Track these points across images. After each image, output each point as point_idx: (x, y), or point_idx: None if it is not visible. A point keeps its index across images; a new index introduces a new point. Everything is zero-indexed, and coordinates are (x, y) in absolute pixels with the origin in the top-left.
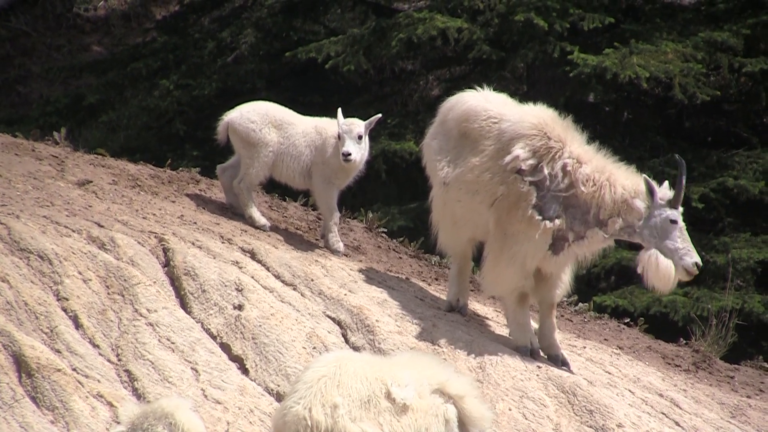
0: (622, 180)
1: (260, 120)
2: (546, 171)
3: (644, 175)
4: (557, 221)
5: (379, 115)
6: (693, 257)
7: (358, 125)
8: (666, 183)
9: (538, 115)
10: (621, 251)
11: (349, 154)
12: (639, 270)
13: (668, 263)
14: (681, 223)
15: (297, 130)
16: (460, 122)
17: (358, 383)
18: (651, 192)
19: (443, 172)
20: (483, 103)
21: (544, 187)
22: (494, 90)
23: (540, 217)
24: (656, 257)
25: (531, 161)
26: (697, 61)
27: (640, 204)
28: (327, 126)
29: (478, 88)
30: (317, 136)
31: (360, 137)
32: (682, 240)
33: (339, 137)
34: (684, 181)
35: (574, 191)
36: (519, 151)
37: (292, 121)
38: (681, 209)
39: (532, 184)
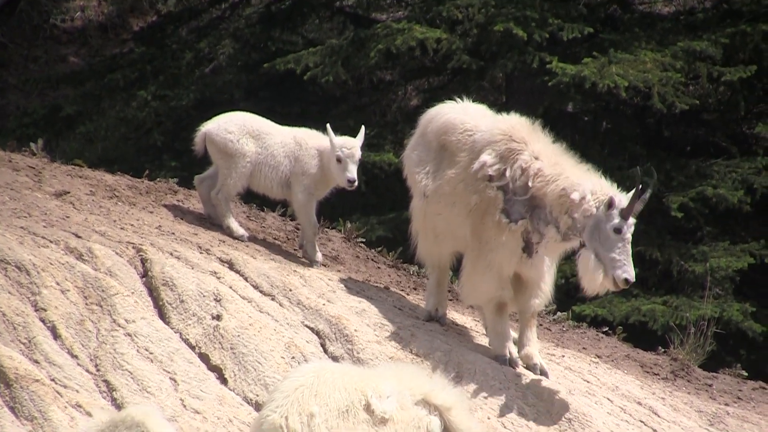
0: (571, 176)
1: (238, 131)
2: (508, 173)
3: (609, 187)
4: (521, 222)
5: (363, 128)
6: (625, 272)
7: (358, 149)
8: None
9: (508, 122)
10: None
11: (355, 181)
12: (577, 266)
13: (599, 269)
14: (627, 235)
15: (275, 140)
16: (439, 135)
17: (337, 393)
18: (609, 205)
19: (423, 183)
20: (461, 115)
21: (508, 190)
22: (473, 100)
23: (507, 220)
24: (589, 259)
25: (496, 166)
26: (676, 71)
27: (576, 197)
28: (306, 136)
29: (458, 100)
30: (296, 147)
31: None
32: (620, 251)
33: (339, 161)
34: (642, 194)
35: (531, 189)
36: (485, 157)
37: (270, 131)
38: (633, 221)
39: (499, 189)
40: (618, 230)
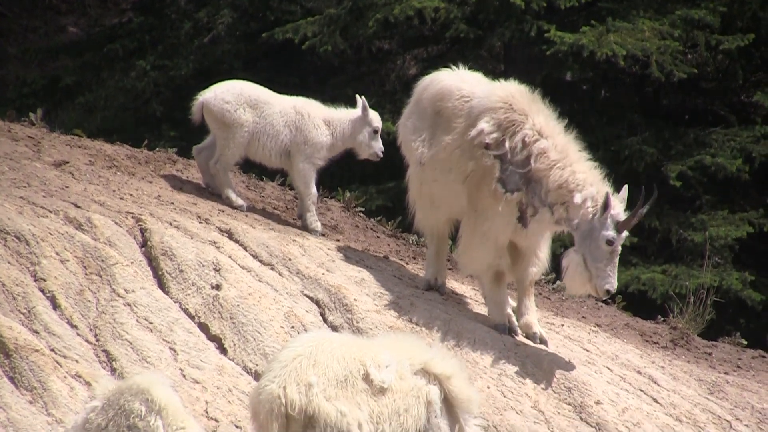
0: (577, 170)
1: (235, 100)
2: (507, 144)
3: (607, 190)
4: (517, 194)
5: (364, 98)
6: (608, 284)
7: None
8: (624, 194)
9: (506, 89)
10: None
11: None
12: (562, 263)
13: (585, 274)
14: (617, 248)
15: (274, 110)
16: (434, 101)
17: (335, 363)
18: (606, 206)
19: (419, 151)
20: (457, 82)
21: (506, 160)
22: (471, 69)
23: (503, 190)
24: (577, 263)
25: (495, 135)
26: (674, 39)
27: (579, 200)
28: (306, 106)
29: (453, 67)
30: (298, 116)
31: None
32: (607, 262)
33: (376, 132)
34: (642, 211)
35: (530, 165)
36: (483, 125)
37: (268, 100)
38: (626, 234)
39: (496, 158)
40: (610, 242)
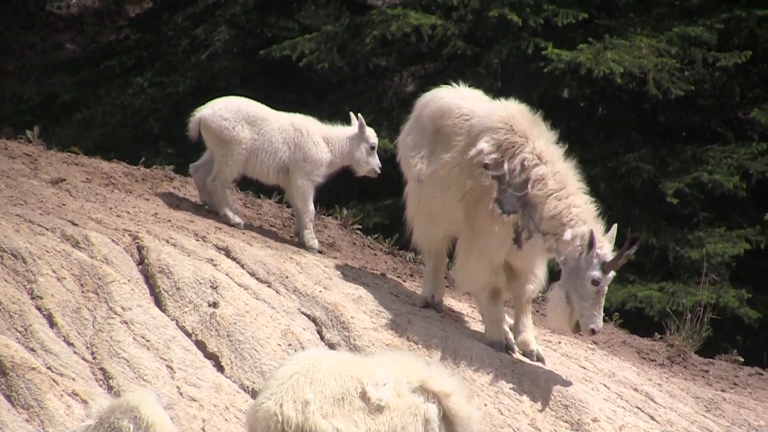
0: (572, 203)
1: (233, 117)
2: (506, 166)
3: (591, 228)
4: (513, 216)
5: (360, 116)
6: (593, 323)
7: None
8: (612, 233)
9: (507, 109)
10: None
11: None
12: (548, 295)
13: (567, 311)
14: (604, 288)
15: (272, 127)
16: (434, 119)
17: (332, 381)
18: (591, 245)
19: (417, 168)
20: (457, 100)
21: (504, 181)
22: (469, 86)
23: (500, 211)
24: (560, 298)
25: (494, 155)
26: (671, 56)
27: (569, 236)
28: (304, 122)
29: (454, 85)
30: (297, 134)
31: None
32: (593, 302)
33: (373, 148)
34: (630, 252)
35: (527, 190)
36: (483, 144)
37: (266, 117)
38: (612, 275)
39: (495, 178)
40: (596, 282)
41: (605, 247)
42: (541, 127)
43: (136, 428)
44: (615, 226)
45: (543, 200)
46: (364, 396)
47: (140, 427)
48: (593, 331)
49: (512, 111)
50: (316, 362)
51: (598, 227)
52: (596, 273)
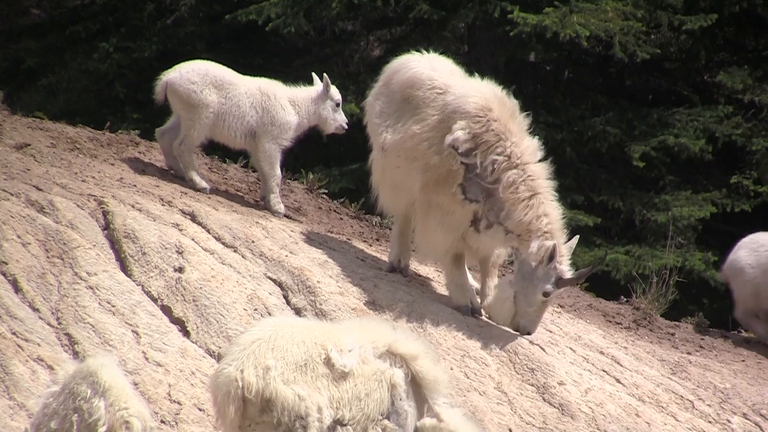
0: (543, 212)
1: (201, 81)
2: (478, 159)
3: (555, 242)
4: (474, 204)
5: (326, 76)
6: (530, 328)
7: None
8: (573, 243)
9: (485, 96)
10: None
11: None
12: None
13: (512, 311)
14: (551, 299)
15: (240, 91)
16: (404, 88)
17: (295, 347)
18: (551, 258)
19: (382, 137)
20: (429, 71)
21: (473, 170)
22: (436, 51)
23: (462, 197)
24: (507, 297)
25: (468, 145)
26: (637, 20)
27: (534, 248)
28: (270, 86)
29: (424, 52)
30: (264, 98)
31: None
32: (537, 310)
33: (338, 105)
34: (585, 273)
35: (497, 186)
36: (459, 133)
37: (234, 81)
38: (562, 290)
39: (463, 164)
40: (547, 295)
41: (564, 263)
42: (517, 118)
43: (93, 393)
44: (576, 237)
45: (514, 204)
46: (328, 362)
47: (97, 391)
48: (529, 334)
49: (490, 98)
50: (279, 329)
51: (562, 240)
52: (549, 286)
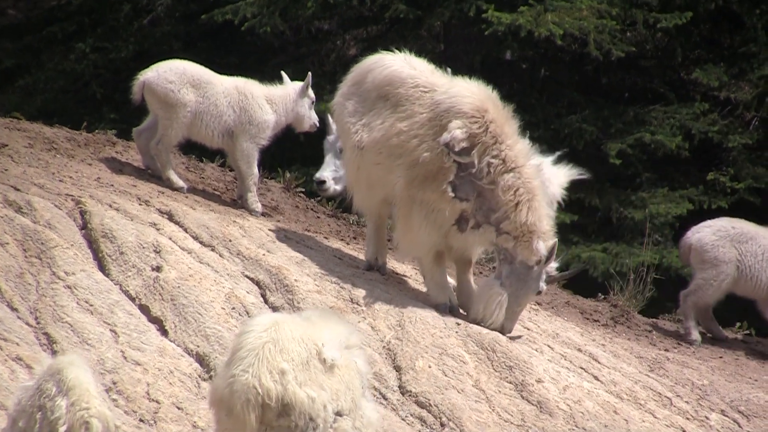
0: (545, 214)
1: (178, 80)
2: (475, 160)
3: (555, 240)
4: (464, 203)
5: (310, 74)
6: (510, 328)
7: None
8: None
9: (479, 96)
10: None
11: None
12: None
13: (498, 312)
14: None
15: (217, 90)
16: (381, 86)
17: (297, 346)
18: (548, 258)
19: (357, 136)
20: (408, 69)
21: (466, 169)
22: (411, 50)
23: (452, 195)
24: (500, 302)
25: (464, 144)
26: (612, 18)
27: (542, 248)
28: (247, 86)
29: (397, 51)
30: (242, 97)
31: None
32: (521, 309)
33: (313, 103)
34: (569, 276)
35: (493, 188)
36: (457, 132)
37: (211, 80)
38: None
39: (456, 162)
40: (539, 293)
41: (552, 261)
42: (510, 120)
43: (58, 391)
44: (556, 240)
45: (514, 208)
46: (320, 357)
47: (61, 390)
48: (508, 332)
49: (484, 100)
50: (278, 328)
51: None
52: (543, 284)
